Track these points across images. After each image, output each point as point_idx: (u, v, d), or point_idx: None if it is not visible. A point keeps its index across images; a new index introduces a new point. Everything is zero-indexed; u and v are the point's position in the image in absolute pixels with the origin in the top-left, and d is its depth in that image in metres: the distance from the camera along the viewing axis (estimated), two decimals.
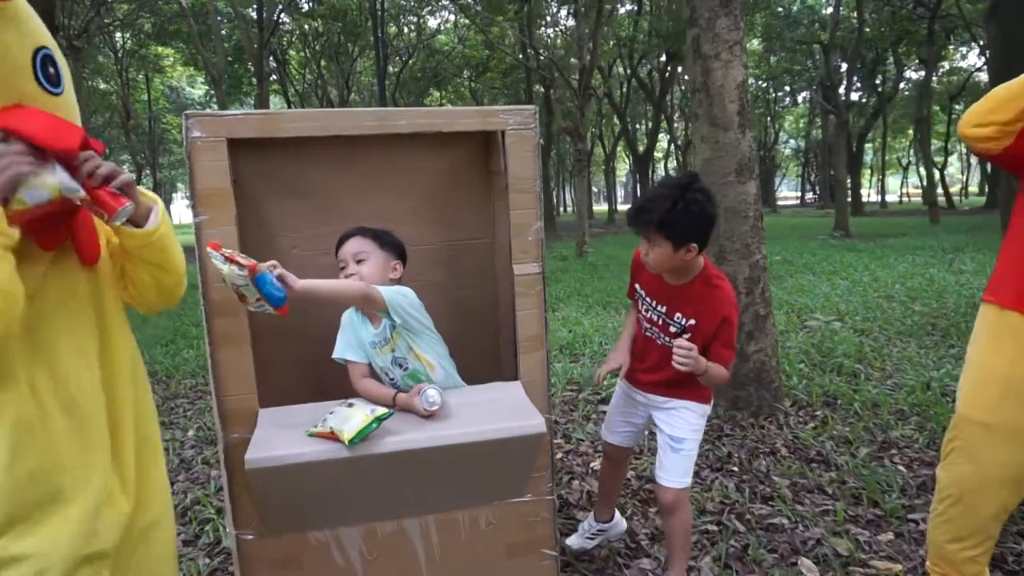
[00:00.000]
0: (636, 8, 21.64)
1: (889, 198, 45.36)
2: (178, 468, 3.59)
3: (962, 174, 52.27)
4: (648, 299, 2.21)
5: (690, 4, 3.99)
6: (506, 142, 1.98)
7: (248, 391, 1.89)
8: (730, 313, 2.06)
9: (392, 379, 2.05)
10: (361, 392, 2.01)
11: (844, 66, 20.66)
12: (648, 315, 2.22)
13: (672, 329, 2.14)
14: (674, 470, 2.20)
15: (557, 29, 23.26)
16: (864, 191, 34.54)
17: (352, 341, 2.05)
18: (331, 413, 1.77)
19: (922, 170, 41.26)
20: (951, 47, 27.19)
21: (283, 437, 1.76)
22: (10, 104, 1.13)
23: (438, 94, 29.36)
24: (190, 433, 4.12)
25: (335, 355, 2.06)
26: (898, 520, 2.71)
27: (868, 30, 20.35)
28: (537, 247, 2.05)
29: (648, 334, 2.25)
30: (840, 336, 5.56)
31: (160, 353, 6.24)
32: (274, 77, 24.36)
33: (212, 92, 25.61)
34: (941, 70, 29.71)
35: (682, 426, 2.21)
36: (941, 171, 26.07)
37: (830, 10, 22.06)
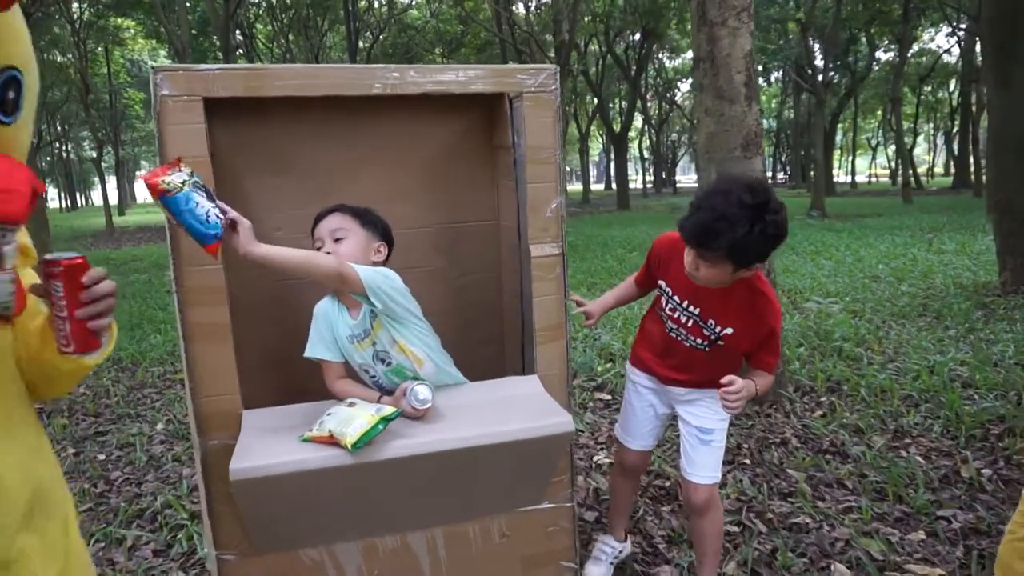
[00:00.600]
0: None
1: (858, 179, 45.85)
2: (146, 466, 3.31)
3: (928, 155, 53.08)
4: (676, 298, 1.94)
5: None
6: (524, 106, 1.74)
7: (229, 391, 1.65)
8: (776, 323, 1.82)
9: (374, 377, 1.80)
10: (338, 395, 1.76)
11: (818, 46, 20.64)
12: (675, 314, 1.94)
13: (705, 332, 1.89)
14: (705, 464, 2.00)
15: (530, 4, 22.82)
16: (834, 171, 34.79)
17: (326, 336, 1.79)
18: (329, 414, 1.53)
19: (891, 151, 41.77)
20: (921, 28, 27.30)
21: (273, 443, 1.52)
22: None
23: None
24: (159, 427, 3.83)
25: (307, 353, 1.80)
26: (927, 517, 2.55)
27: (844, 9, 20.27)
28: (557, 225, 1.82)
29: (673, 335, 1.98)
30: (837, 319, 5.44)
31: (125, 339, 5.89)
32: (240, 51, 23.57)
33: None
34: (910, 51, 29.87)
35: (710, 416, 2.00)
36: (909, 152, 26.21)
37: None
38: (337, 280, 1.63)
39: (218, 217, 1.43)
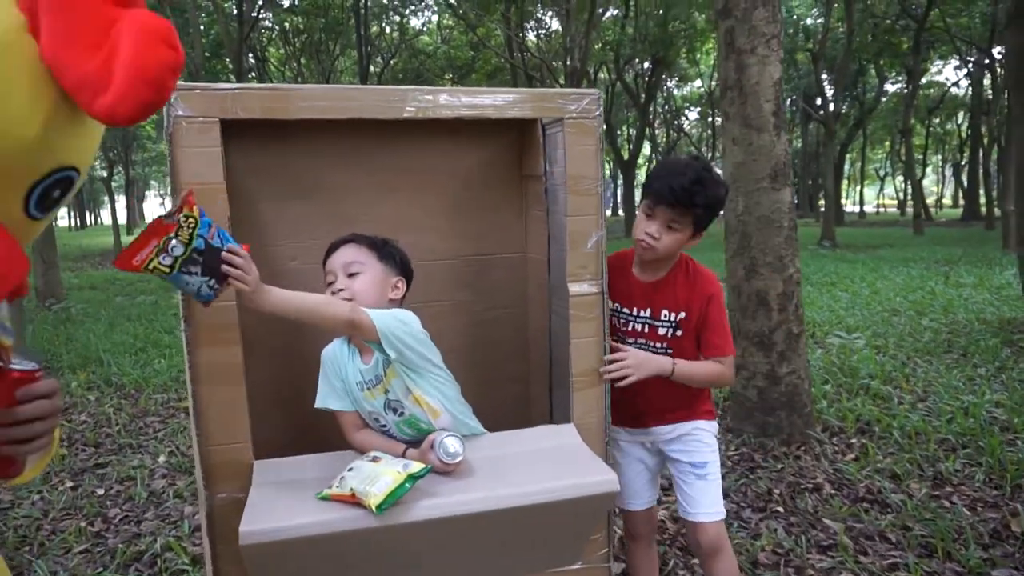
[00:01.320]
0: (623, 13, 21.40)
1: (866, 208, 45.77)
2: (146, 503, 3.15)
3: (936, 186, 53.04)
4: (626, 310, 1.89)
5: None
6: (565, 132, 1.61)
7: (240, 439, 1.50)
8: (714, 291, 1.84)
9: (384, 427, 1.63)
10: (359, 448, 1.60)
11: (826, 77, 20.65)
12: (628, 327, 1.90)
13: (662, 331, 1.85)
14: (706, 500, 1.90)
15: (541, 32, 22.94)
16: (843, 201, 34.75)
17: (336, 385, 1.63)
18: (350, 470, 1.38)
19: (899, 181, 41.74)
20: (930, 61, 27.36)
21: (288, 501, 1.37)
22: None
23: None
24: (161, 459, 3.68)
25: (318, 404, 1.65)
26: None
27: (854, 41, 20.34)
28: (597, 262, 1.69)
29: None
30: (861, 355, 5.27)
31: (129, 363, 5.76)
32: (252, 75, 23.72)
33: None
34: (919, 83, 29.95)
35: (700, 449, 1.93)
36: (918, 183, 26.14)
37: (815, 20, 22.09)
38: (349, 329, 1.51)
39: (211, 288, 1.31)
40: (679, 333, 1.84)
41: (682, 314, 1.83)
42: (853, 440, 3.69)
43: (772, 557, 2.55)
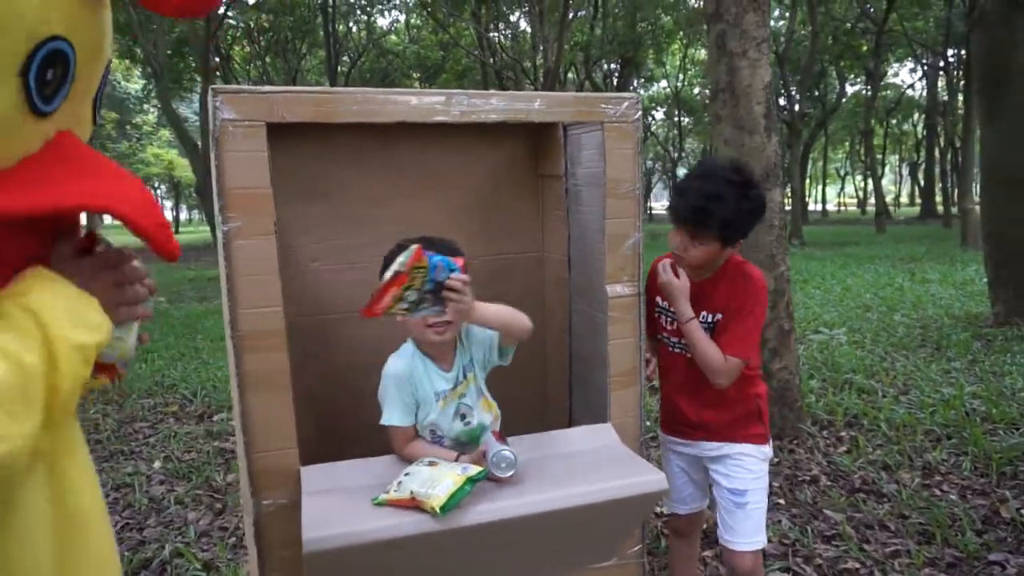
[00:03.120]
0: (592, 13, 21.54)
1: (827, 207, 46.81)
2: (147, 510, 3.10)
3: (894, 185, 54.48)
4: (673, 309, 1.86)
5: None
6: (604, 136, 1.64)
7: (286, 445, 1.50)
8: (747, 303, 1.79)
9: (440, 437, 1.63)
10: (409, 458, 1.56)
11: (788, 78, 21.06)
12: (674, 326, 1.87)
13: None
14: (743, 530, 1.85)
15: (508, 32, 22.96)
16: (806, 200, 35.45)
17: (408, 401, 1.60)
18: (407, 475, 1.39)
19: (858, 180, 42.77)
20: (888, 64, 28.09)
21: (345, 507, 1.37)
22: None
23: None
24: (156, 464, 3.61)
25: (384, 421, 1.59)
26: (978, 562, 2.47)
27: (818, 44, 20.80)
28: (634, 264, 1.72)
29: (677, 350, 1.91)
30: (842, 350, 5.41)
31: None
32: (218, 73, 23.27)
33: (150, 86, 24.39)
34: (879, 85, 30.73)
35: (742, 475, 1.87)
36: (879, 182, 26.88)
37: (776, 24, 22.50)
38: (526, 333, 1.63)
39: (439, 312, 1.49)
40: (713, 335, 1.82)
41: (718, 315, 1.81)
42: (843, 433, 3.79)
43: (780, 548, 2.61)
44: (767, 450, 1.92)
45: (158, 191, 43.90)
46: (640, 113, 1.65)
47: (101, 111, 0.88)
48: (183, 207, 50.53)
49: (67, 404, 0.71)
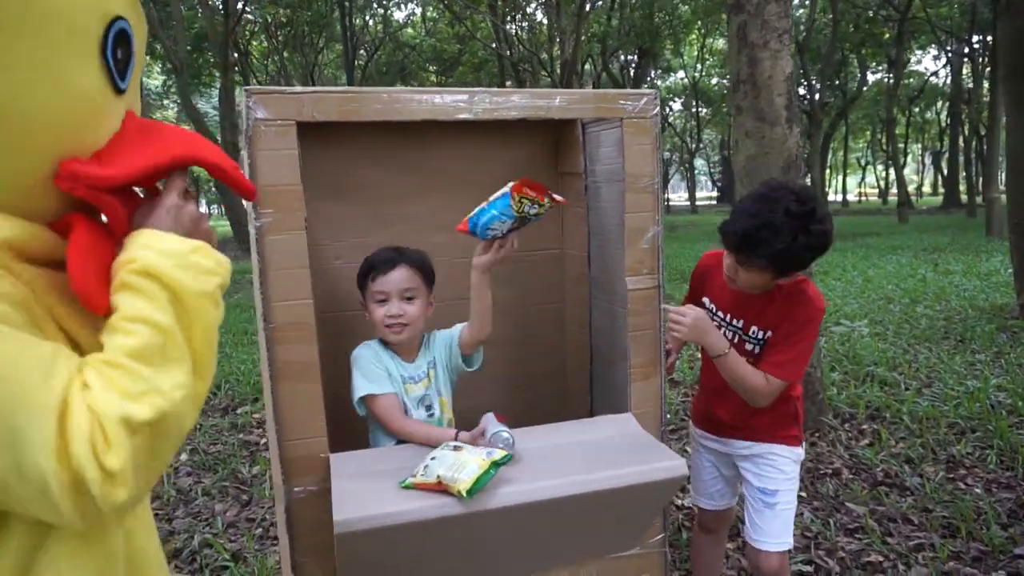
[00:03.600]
0: (610, 3, 21.42)
1: (848, 197, 46.25)
2: (176, 501, 3.17)
3: (916, 174, 53.70)
4: (720, 313, 1.86)
5: None
6: (623, 131, 1.66)
7: (317, 433, 1.54)
8: (807, 318, 1.72)
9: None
10: (407, 434, 1.63)
11: (808, 67, 20.81)
12: (722, 332, 1.84)
13: (748, 347, 1.81)
14: (770, 530, 1.85)
15: (524, 24, 22.90)
16: (826, 190, 35.07)
17: (381, 372, 1.67)
18: (433, 459, 1.42)
19: (879, 170, 42.18)
20: (911, 51, 27.65)
21: (373, 491, 1.41)
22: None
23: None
24: (183, 456, 3.69)
25: (366, 391, 1.64)
26: (1004, 556, 2.47)
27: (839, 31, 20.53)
28: (653, 256, 1.73)
29: None
30: (863, 342, 5.37)
31: None
32: (237, 68, 23.47)
33: (170, 82, 24.62)
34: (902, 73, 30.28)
35: (773, 475, 1.86)
36: (901, 171, 26.50)
37: (795, 12, 22.22)
38: (485, 337, 1.78)
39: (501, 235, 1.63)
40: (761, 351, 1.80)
41: (769, 332, 1.77)
42: (865, 426, 3.78)
43: (802, 540, 2.62)
44: (800, 452, 1.91)
45: None
46: (658, 108, 1.66)
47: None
48: (202, 200, 51.07)
49: (211, 346, 0.78)
